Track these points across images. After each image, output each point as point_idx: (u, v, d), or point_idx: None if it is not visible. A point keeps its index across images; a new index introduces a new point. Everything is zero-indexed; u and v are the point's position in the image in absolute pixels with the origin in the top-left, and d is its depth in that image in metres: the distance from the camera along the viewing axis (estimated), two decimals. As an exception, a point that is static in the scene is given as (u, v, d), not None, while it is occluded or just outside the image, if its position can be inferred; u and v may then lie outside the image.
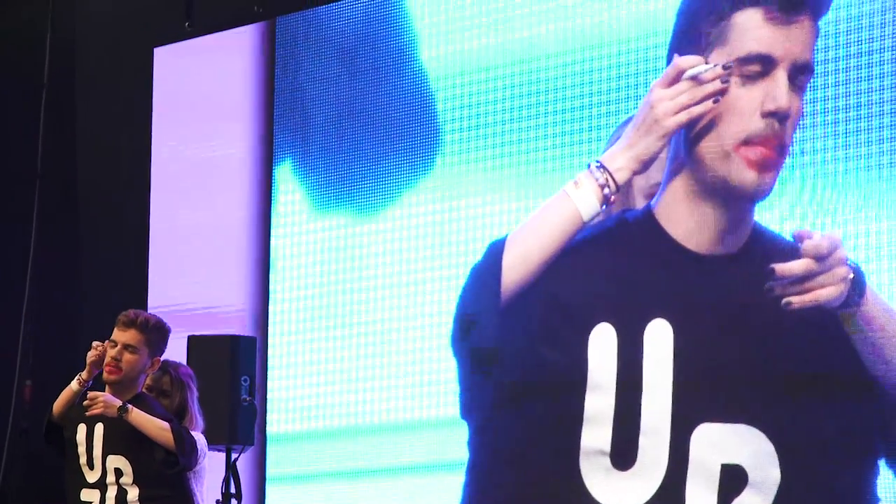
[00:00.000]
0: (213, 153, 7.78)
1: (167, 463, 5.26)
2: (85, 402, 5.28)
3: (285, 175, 7.47)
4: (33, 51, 8.51)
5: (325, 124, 7.36)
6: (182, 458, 5.24)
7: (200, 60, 7.87)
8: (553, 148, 6.48)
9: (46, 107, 8.45)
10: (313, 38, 7.41)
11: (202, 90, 7.86)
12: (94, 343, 5.41)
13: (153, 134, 8.00)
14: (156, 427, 5.24)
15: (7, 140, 8.59)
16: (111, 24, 8.34)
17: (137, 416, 5.24)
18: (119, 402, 5.25)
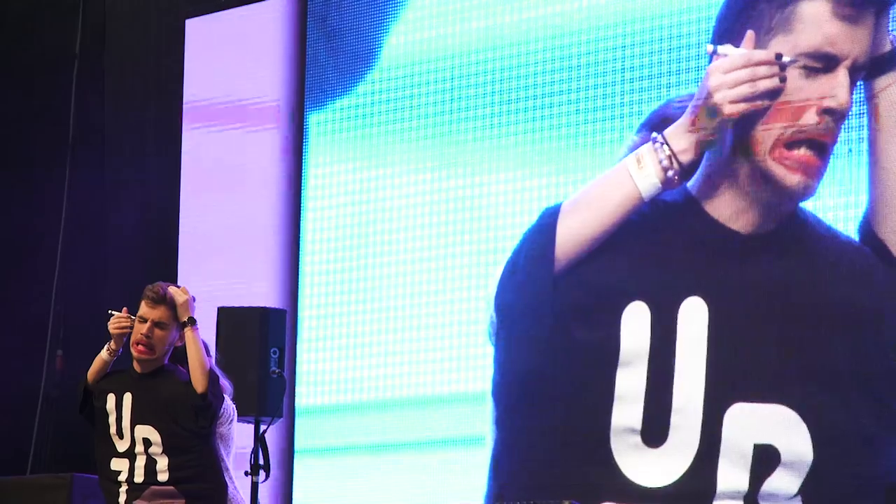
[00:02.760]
0: (245, 126, 7.78)
1: (199, 409, 5.24)
2: (171, 288, 5.33)
3: (316, 149, 7.47)
4: (65, 22, 8.51)
5: (358, 96, 7.34)
6: (213, 399, 5.23)
7: (232, 32, 7.86)
8: (584, 124, 6.46)
9: (78, 77, 8.46)
10: (346, 9, 7.39)
11: (234, 62, 7.85)
12: (116, 314, 5.38)
13: (184, 106, 7.99)
14: (200, 357, 5.24)
15: (39, 111, 8.60)
16: (143, -5, 8.34)
17: (194, 337, 5.26)
18: (191, 314, 5.29)
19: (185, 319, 5.29)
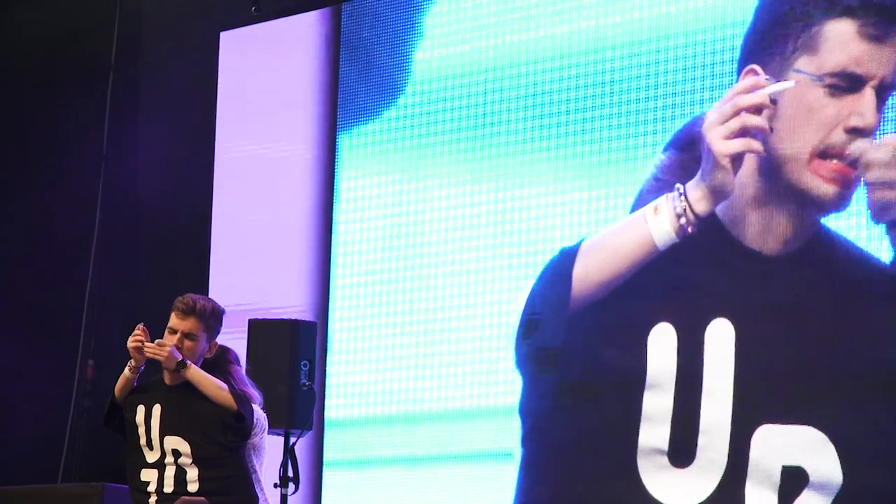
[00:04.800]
0: (278, 140, 7.80)
1: (232, 428, 5.26)
2: (147, 348, 5.28)
3: (348, 162, 7.48)
4: (101, 33, 8.55)
5: (390, 109, 7.36)
6: (246, 415, 5.23)
7: (267, 45, 7.89)
8: (618, 139, 6.45)
9: (113, 88, 8.49)
10: (379, 24, 7.41)
11: (268, 75, 7.87)
12: (138, 327, 5.40)
13: (217, 118, 8.02)
14: (214, 385, 5.25)
15: (74, 121, 8.64)
16: (178, 7, 8.36)
17: (195, 373, 5.26)
18: (179, 358, 5.27)
19: (174, 367, 5.27)
